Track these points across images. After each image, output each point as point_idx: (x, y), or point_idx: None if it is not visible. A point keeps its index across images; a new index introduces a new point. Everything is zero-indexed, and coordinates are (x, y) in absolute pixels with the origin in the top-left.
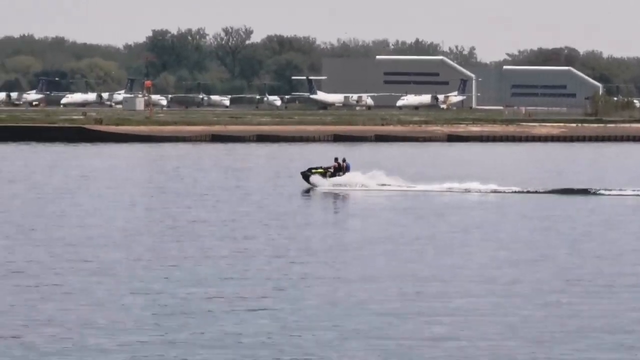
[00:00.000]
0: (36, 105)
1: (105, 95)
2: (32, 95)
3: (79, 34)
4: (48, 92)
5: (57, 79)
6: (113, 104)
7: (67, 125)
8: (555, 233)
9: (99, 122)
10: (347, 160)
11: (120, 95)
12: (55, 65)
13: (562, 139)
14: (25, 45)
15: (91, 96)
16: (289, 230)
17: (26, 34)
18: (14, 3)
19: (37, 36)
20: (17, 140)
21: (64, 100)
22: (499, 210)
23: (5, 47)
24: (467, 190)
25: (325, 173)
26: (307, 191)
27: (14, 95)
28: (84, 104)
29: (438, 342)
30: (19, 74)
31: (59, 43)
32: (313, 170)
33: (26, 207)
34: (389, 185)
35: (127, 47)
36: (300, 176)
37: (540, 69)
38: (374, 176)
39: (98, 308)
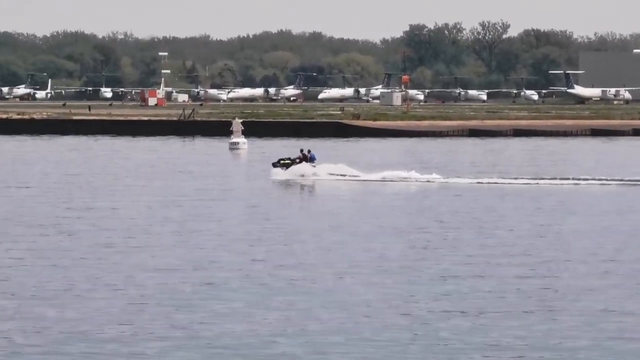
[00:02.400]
0: (294, 101)
1: (362, 90)
2: (290, 91)
3: (336, 29)
4: (305, 88)
5: (314, 74)
6: (370, 99)
7: (324, 120)
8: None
9: (357, 117)
10: (312, 152)
11: (377, 90)
12: (313, 60)
13: None
14: (283, 40)
15: (348, 91)
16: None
17: (284, 30)
18: None
19: (294, 31)
20: (276, 136)
21: (321, 96)
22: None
23: (263, 43)
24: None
25: (291, 164)
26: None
27: (272, 90)
28: (341, 99)
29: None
30: (277, 70)
31: (316, 38)
32: (281, 161)
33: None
34: (341, 175)
35: (384, 41)
36: (272, 166)
37: None
38: (331, 168)
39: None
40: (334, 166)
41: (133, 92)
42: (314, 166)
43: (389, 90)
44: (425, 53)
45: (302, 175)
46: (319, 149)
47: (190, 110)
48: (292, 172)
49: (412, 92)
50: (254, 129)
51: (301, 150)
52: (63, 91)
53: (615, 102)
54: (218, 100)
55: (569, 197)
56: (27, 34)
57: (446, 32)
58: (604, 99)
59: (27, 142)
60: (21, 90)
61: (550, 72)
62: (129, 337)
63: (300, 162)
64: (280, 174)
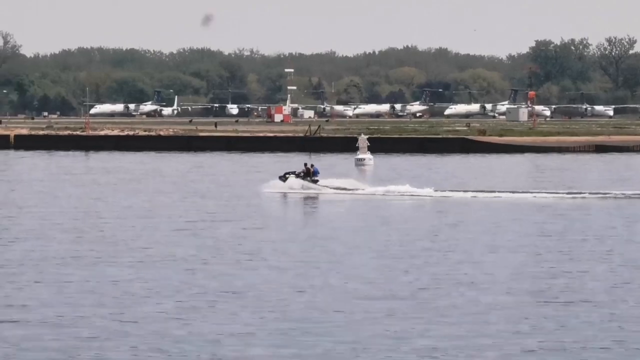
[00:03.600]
0: (420, 117)
1: (488, 106)
2: (416, 107)
3: (462, 44)
4: (431, 103)
5: (440, 90)
6: (496, 114)
7: (450, 136)
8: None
9: (482, 133)
10: (315, 166)
11: (503, 106)
12: (439, 76)
13: None
14: (409, 56)
15: (474, 107)
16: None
17: (410, 45)
18: (396, 15)
19: (420, 47)
20: (402, 152)
21: (447, 112)
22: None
23: (389, 59)
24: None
25: (296, 177)
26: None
27: (397, 106)
28: (467, 115)
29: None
30: (402, 86)
31: (442, 54)
32: (287, 175)
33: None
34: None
35: (510, 57)
36: (278, 179)
37: None
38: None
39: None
40: (341, 181)
41: (259, 109)
42: (317, 180)
43: (515, 106)
44: (552, 69)
45: (291, 188)
46: (444, 164)
47: (316, 127)
48: (284, 185)
49: (538, 107)
50: (379, 145)
51: (305, 165)
52: (189, 108)
53: None
54: (344, 116)
55: None
56: (153, 50)
57: (572, 47)
58: None
59: (152, 158)
60: (148, 107)
61: None
62: None
63: (304, 175)
64: (271, 186)
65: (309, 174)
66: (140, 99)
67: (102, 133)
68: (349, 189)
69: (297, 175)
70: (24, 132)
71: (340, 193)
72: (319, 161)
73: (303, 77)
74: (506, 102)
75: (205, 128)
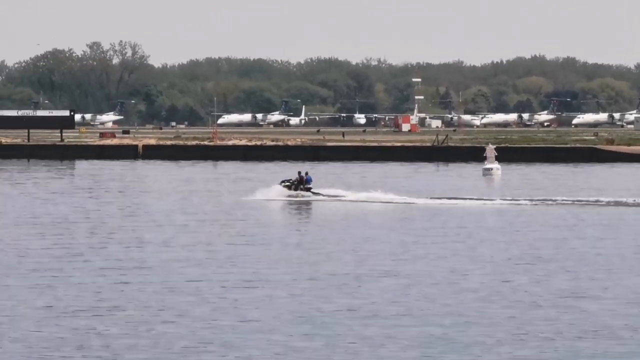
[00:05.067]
0: (548, 126)
1: (616, 115)
2: (544, 116)
3: (590, 53)
4: (559, 113)
5: (568, 99)
6: (624, 124)
7: (578, 145)
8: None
9: (611, 142)
10: (309, 174)
11: (631, 116)
12: (567, 85)
13: None
14: (537, 66)
15: (602, 116)
16: None
17: (537, 55)
18: (524, 24)
19: (548, 57)
20: (530, 162)
21: (575, 121)
22: None
23: (516, 68)
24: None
25: (290, 185)
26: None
27: (525, 116)
28: (595, 125)
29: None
30: (530, 95)
31: (570, 63)
32: (282, 183)
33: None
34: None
35: (639, 66)
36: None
37: None
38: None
39: None
40: (328, 190)
41: (386, 118)
42: (310, 187)
43: None
44: None
45: (277, 194)
46: (572, 174)
47: (444, 136)
48: (270, 192)
49: None
50: (507, 155)
51: (299, 173)
52: (317, 117)
53: None
54: (471, 125)
55: None
56: (281, 60)
57: None
58: None
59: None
60: (275, 116)
61: None
62: None
63: (298, 183)
64: (258, 194)
65: (302, 182)
66: (267, 108)
67: (230, 143)
68: (337, 196)
69: (292, 183)
70: (152, 142)
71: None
72: (447, 171)
73: (430, 86)
74: (634, 112)
75: (333, 138)
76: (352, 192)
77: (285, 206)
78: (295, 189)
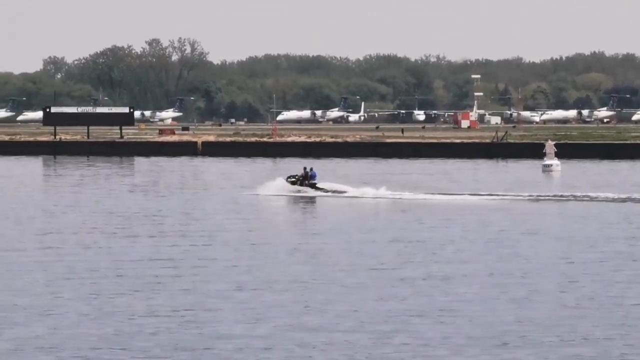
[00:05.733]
0: (607, 123)
1: None
2: (603, 112)
3: None
4: (619, 109)
5: (627, 95)
6: None
7: (638, 142)
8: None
9: None
10: (314, 170)
11: None
12: (626, 82)
13: None
14: (596, 62)
15: None
16: None
17: (597, 51)
18: (583, 21)
19: (607, 53)
20: (589, 158)
21: (635, 117)
22: None
23: (576, 64)
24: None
25: (296, 180)
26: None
27: (585, 112)
28: None
29: None
30: (590, 91)
31: (629, 59)
32: (289, 178)
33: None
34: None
35: None
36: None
37: None
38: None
39: None
40: (332, 184)
41: (446, 115)
42: (315, 183)
43: None
44: None
45: (278, 189)
46: (633, 170)
47: (503, 133)
48: (273, 187)
49: None
50: (566, 151)
51: (304, 169)
52: (376, 114)
53: None
54: (530, 122)
55: None
56: (340, 57)
57: None
58: None
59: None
60: (334, 113)
61: None
62: None
63: (303, 178)
64: (261, 189)
65: (306, 178)
66: (326, 105)
67: (289, 139)
68: (340, 192)
69: (298, 178)
70: (211, 138)
71: (328, 195)
72: (506, 167)
73: (489, 83)
74: None
75: (392, 134)
76: (354, 188)
77: (294, 203)
78: (300, 184)
